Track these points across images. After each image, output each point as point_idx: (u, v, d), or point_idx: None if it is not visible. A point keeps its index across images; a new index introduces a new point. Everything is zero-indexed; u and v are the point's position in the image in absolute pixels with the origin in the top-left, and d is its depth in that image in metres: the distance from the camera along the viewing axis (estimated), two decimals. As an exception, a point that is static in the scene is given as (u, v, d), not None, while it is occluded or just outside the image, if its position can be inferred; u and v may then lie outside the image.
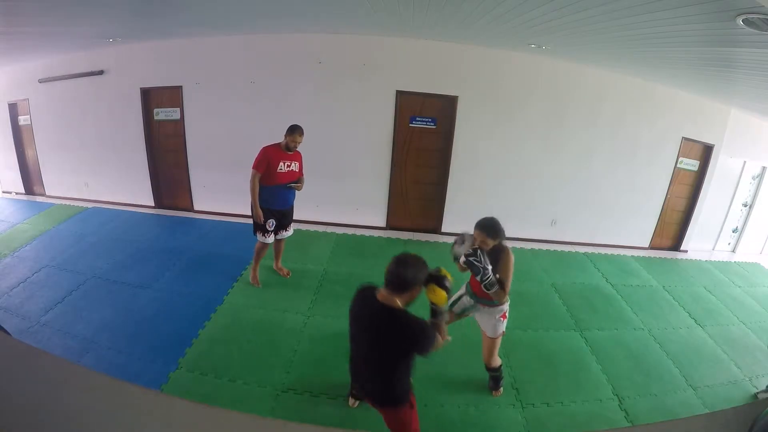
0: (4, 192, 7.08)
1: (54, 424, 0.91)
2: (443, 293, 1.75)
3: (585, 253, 5.46)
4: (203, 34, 4.99)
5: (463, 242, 2.40)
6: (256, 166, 3.45)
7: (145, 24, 4.23)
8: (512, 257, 2.40)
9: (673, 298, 4.49)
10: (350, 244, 5.05)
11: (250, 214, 3.65)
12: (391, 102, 5.14)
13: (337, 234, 5.34)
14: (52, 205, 6.21)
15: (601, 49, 3.67)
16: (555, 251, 5.44)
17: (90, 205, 6.18)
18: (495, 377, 2.81)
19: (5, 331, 1.44)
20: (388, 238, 5.35)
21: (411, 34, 4.54)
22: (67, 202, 6.31)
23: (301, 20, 4.22)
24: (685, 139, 5.48)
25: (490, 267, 2.29)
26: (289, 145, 3.48)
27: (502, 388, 2.86)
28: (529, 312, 3.87)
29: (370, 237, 5.36)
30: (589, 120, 5.28)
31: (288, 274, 4.08)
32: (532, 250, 5.41)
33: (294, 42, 5.00)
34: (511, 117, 5.23)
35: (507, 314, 2.58)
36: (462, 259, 2.37)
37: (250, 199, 3.52)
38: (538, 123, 5.26)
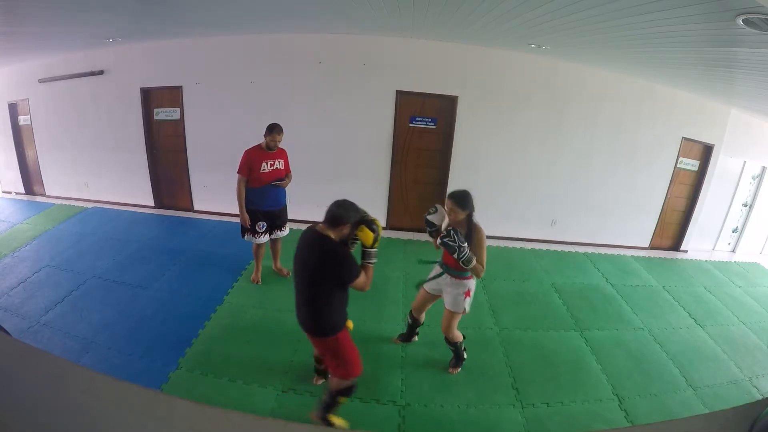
0: (4, 192, 7.07)
1: (54, 424, 0.91)
2: (371, 234, 2.03)
3: (585, 253, 5.46)
4: (203, 34, 4.98)
5: (435, 211, 2.49)
6: (240, 170, 3.50)
7: (145, 24, 4.23)
8: (484, 234, 2.49)
9: (673, 298, 4.49)
10: (350, 244, 5.05)
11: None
12: (391, 102, 5.14)
13: (337, 234, 5.33)
14: (52, 205, 6.21)
15: (601, 49, 3.67)
16: (555, 251, 5.43)
17: (90, 205, 6.18)
18: (455, 352, 2.91)
19: (5, 331, 1.44)
20: (388, 238, 5.35)
21: (411, 34, 4.54)
22: (67, 202, 6.30)
23: (301, 20, 4.22)
24: (685, 139, 5.48)
25: (465, 244, 2.37)
26: (269, 145, 3.53)
27: (460, 368, 2.95)
28: (529, 312, 3.87)
29: (370, 237, 5.35)
30: (589, 120, 5.28)
31: (288, 274, 4.07)
32: (532, 250, 5.41)
33: (294, 42, 5.00)
34: (511, 117, 5.23)
35: (472, 293, 2.67)
36: (438, 241, 2.45)
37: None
38: (538, 123, 5.25)
